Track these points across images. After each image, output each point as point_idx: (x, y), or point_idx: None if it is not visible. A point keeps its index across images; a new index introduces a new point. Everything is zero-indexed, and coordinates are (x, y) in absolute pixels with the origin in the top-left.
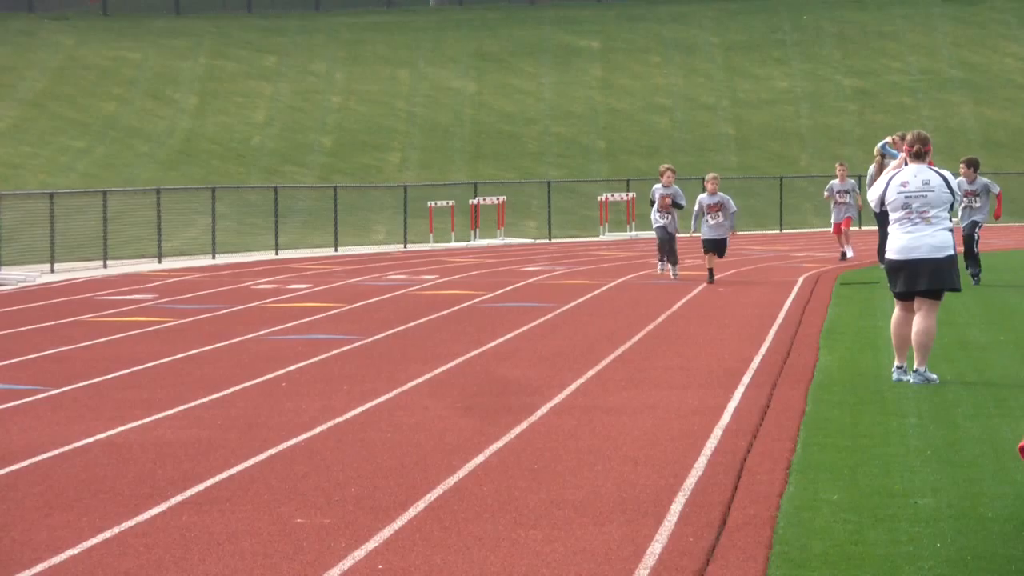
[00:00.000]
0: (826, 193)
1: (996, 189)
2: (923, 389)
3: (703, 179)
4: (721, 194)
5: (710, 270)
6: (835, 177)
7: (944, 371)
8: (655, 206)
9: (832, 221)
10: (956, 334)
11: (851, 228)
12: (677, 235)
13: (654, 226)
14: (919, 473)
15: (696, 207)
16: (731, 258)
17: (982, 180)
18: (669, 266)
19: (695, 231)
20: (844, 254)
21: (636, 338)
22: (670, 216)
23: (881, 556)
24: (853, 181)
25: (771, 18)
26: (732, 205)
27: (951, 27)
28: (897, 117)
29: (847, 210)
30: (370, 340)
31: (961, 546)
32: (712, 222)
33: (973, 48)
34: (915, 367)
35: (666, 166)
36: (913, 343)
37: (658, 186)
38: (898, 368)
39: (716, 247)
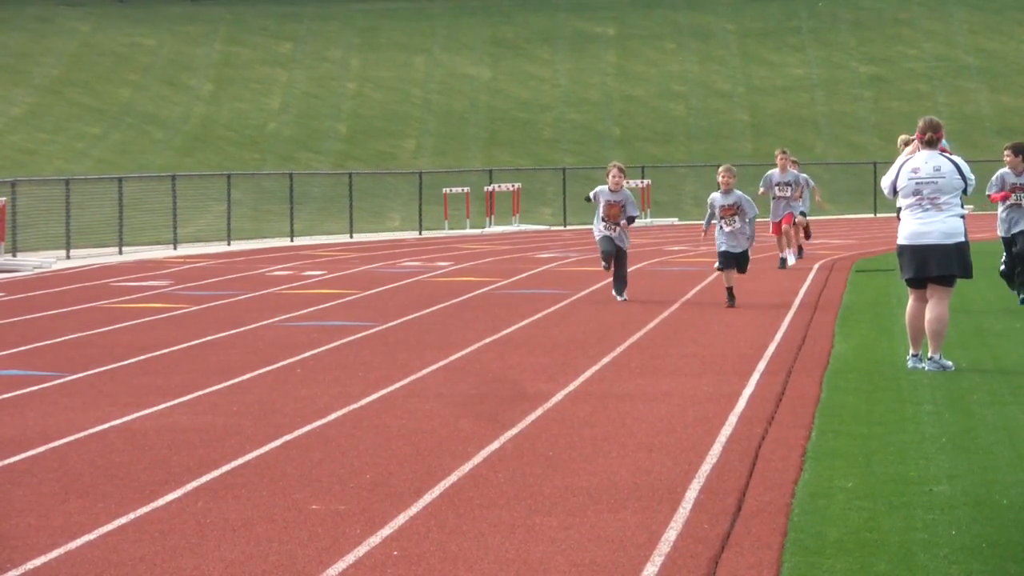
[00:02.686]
0: (762, 188)
1: None
2: (938, 376)
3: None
4: (738, 192)
5: (729, 290)
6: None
7: (960, 358)
8: (599, 213)
9: (770, 220)
10: (972, 321)
11: (793, 225)
12: (628, 249)
13: (596, 236)
14: (934, 460)
15: (708, 209)
16: None
17: None
18: (614, 293)
19: (705, 233)
20: (784, 260)
21: (650, 325)
22: (618, 228)
23: (896, 543)
24: (795, 172)
25: (787, 5)
26: (752, 208)
27: (967, 14)
28: (913, 104)
29: (787, 206)
30: (385, 327)
31: (976, 533)
32: (727, 229)
33: (989, 35)
34: (929, 354)
35: (615, 164)
36: (926, 331)
37: (602, 188)
38: (913, 356)
39: (735, 262)
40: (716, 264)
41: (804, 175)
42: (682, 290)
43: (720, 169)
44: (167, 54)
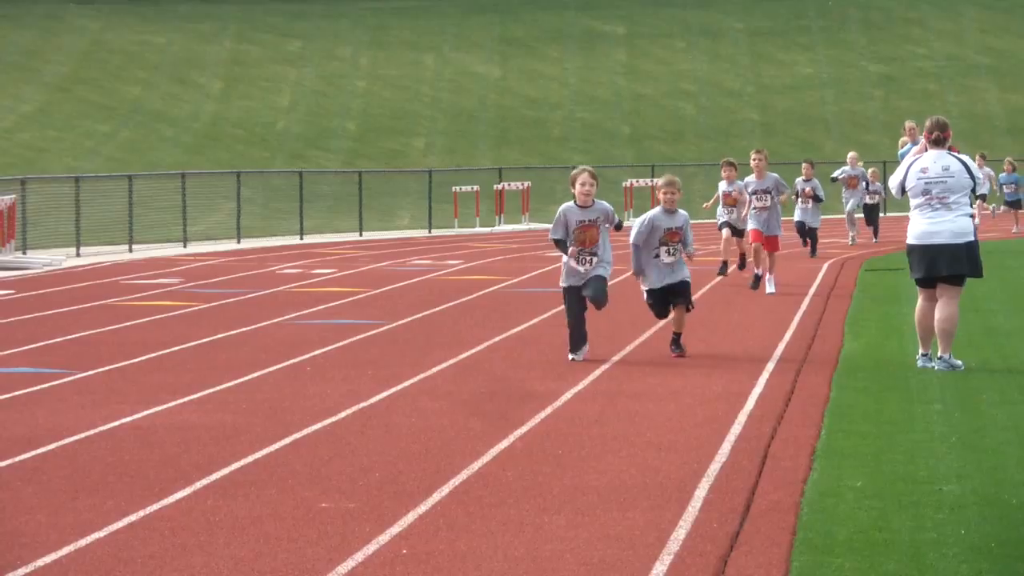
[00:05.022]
0: (735, 194)
1: None
2: (948, 376)
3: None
4: (683, 213)
5: (675, 337)
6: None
7: (969, 358)
8: (569, 238)
9: (749, 227)
10: (981, 321)
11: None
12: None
13: (563, 283)
14: (944, 460)
15: (638, 230)
16: None
17: None
18: (571, 353)
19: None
20: (756, 277)
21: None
22: (594, 257)
23: (905, 543)
24: (776, 176)
25: (796, 4)
26: (690, 231)
27: (977, 12)
28: (922, 103)
29: (769, 218)
30: (394, 325)
31: (985, 533)
32: (667, 260)
33: (999, 34)
34: (939, 354)
35: (582, 168)
36: (936, 330)
37: (568, 205)
38: (923, 355)
39: (679, 297)
40: (649, 302)
41: (775, 175)
42: (692, 288)
43: (660, 182)
44: (177, 52)
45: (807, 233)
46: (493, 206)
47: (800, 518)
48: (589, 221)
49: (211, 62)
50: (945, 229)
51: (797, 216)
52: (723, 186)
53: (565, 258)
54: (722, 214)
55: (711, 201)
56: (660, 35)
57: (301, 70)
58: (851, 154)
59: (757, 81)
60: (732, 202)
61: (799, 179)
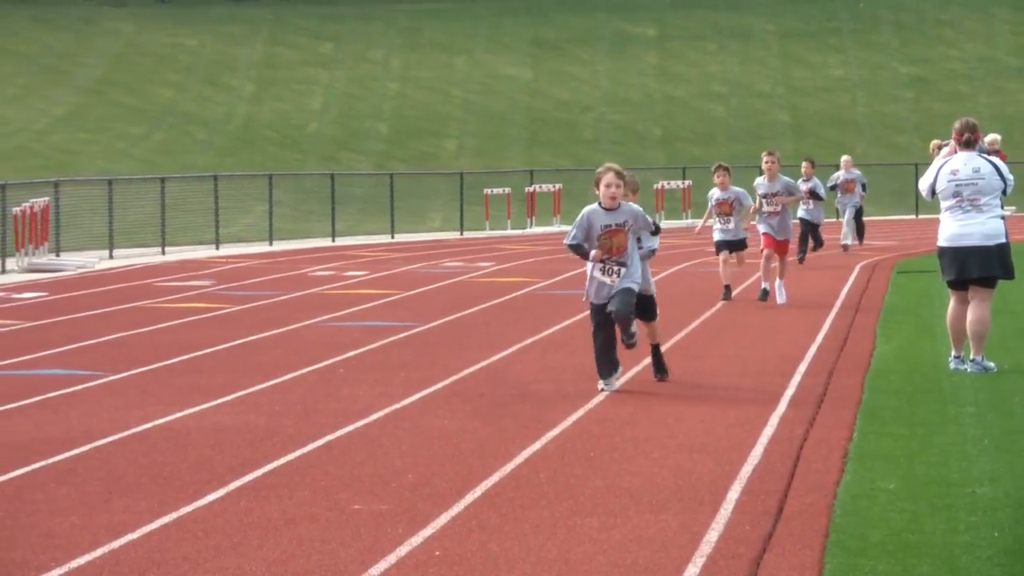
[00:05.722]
0: (732, 201)
1: None
2: (980, 378)
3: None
4: (630, 207)
5: (654, 349)
6: (811, 174)
7: (1002, 360)
8: (594, 247)
9: (762, 231)
10: (1014, 323)
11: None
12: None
13: (589, 299)
14: (977, 462)
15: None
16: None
17: None
18: (602, 380)
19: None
20: (765, 292)
21: (692, 326)
22: (622, 267)
23: (938, 545)
24: (788, 179)
25: (827, 5)
26: (648, 223)
27: (1009, 14)
28: (954, 105)
29: (781, 224)
30: (426, 327)
31: (1019, 535)
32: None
33: None
34: (972, 356)
35: (607, 166)
36: (968, 332)
37: (593, 207)
38: (955, 358)
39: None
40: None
41: (787, 178)
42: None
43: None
44: (209, 54)
45: (810, 231)
46: (524, 208)
47: (833, 520)
48: (616, 225)
49: (243, 64)
50: (976, 231)
51: (800, 215)
52: (716, 194)
53: (589, 267)
54: (717, 230)
55: (703, 221)
56: (691, 37)
57: (333, 72)
58: (845, 157)
59: (788, 83)
60: (728, 210)
61: (800, 179)
